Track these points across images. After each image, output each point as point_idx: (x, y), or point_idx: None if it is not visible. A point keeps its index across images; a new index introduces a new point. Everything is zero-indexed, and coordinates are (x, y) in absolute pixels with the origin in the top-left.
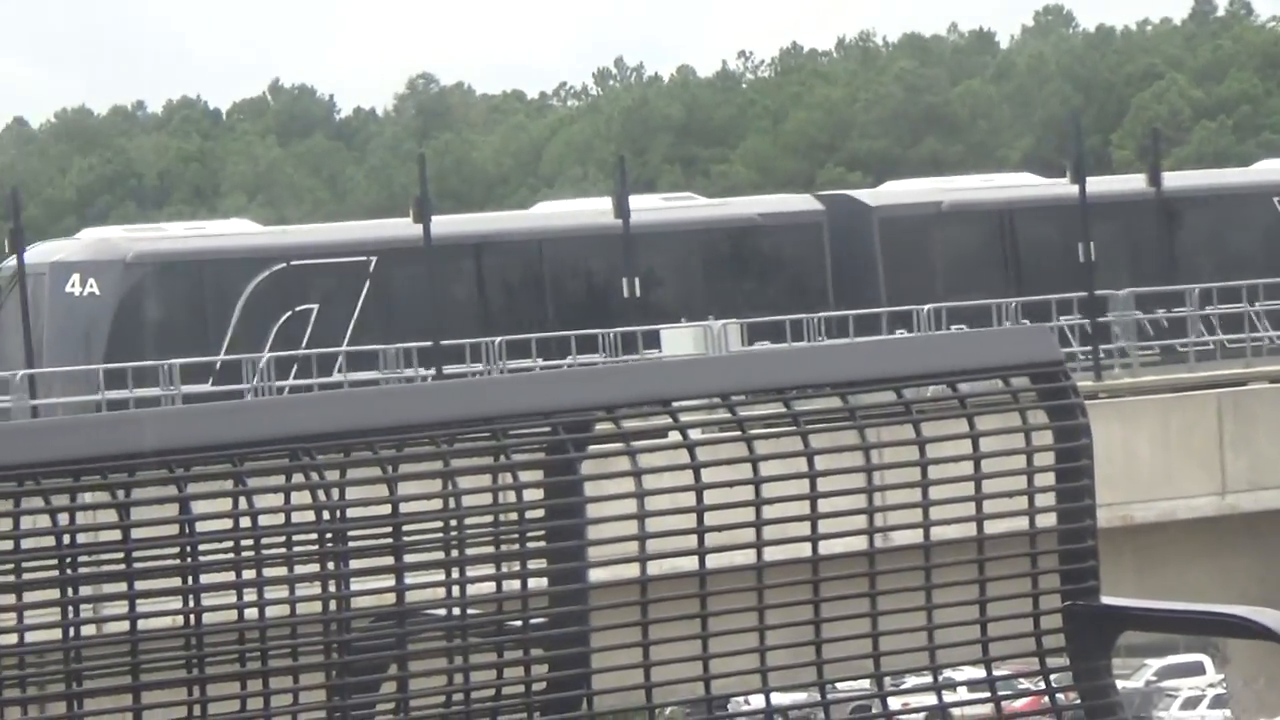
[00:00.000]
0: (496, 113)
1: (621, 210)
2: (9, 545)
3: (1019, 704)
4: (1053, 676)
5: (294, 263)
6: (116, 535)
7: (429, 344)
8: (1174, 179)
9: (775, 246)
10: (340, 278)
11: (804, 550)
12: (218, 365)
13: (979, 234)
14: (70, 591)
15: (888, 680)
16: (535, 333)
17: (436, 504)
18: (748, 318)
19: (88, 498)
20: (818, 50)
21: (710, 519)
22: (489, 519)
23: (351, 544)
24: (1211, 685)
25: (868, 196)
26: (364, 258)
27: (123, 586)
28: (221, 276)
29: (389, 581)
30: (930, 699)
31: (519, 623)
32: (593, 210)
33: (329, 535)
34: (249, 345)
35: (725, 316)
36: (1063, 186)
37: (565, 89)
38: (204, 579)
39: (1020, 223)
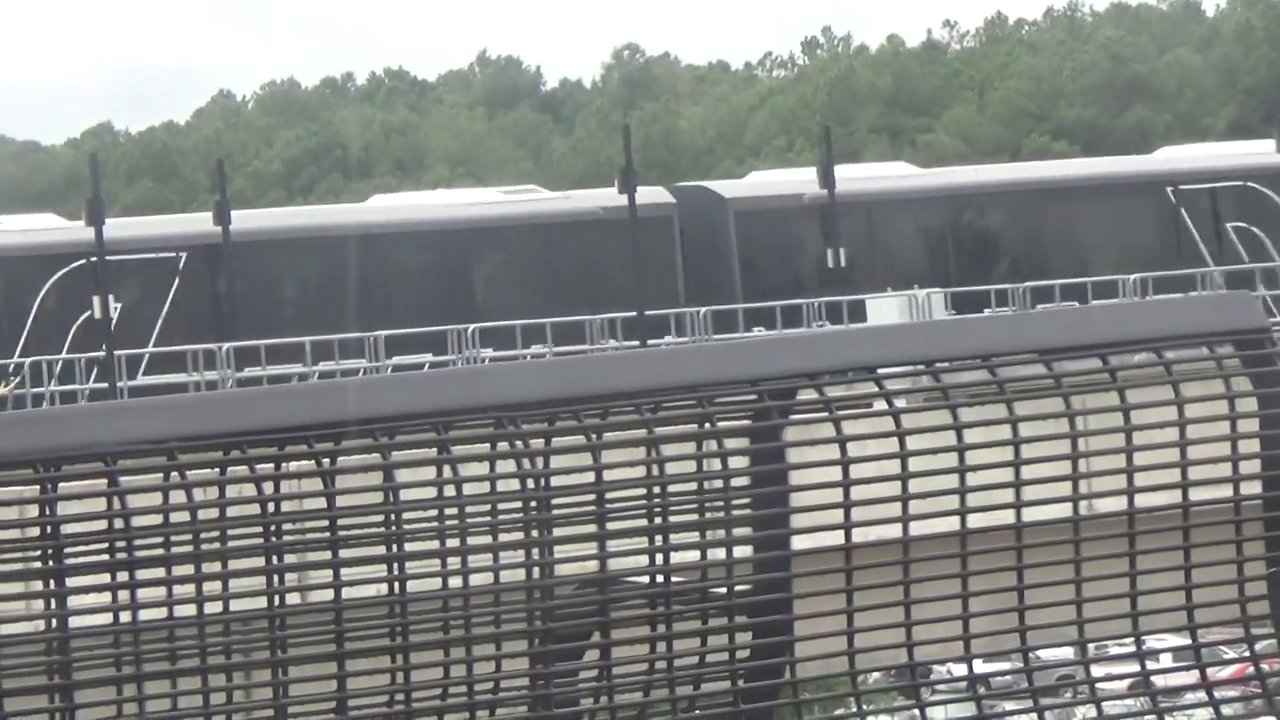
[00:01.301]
0: (702, 83)
1: (827, 180)
2: (215, 513)
3: (1224, 673)
4: (1258, 645)
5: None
6: (321, 504)
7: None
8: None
9: (622, 241)
10: (147, 274)
11: (1007, 518)
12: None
13: (844, 226)
14: (275, 560)
15: (1091, 648)
16: (349, 332)
17: (640, 471)
18: (589, 314)
19: (291, 466)
20: (1024, 20)
21: (914, 486)
22: (693, 486)
23: (556, 512)
24: None
25: (724, 188)
26: (173, 254)
27: (327, 555)
28: (19, 272)
29: (593, 549)
30: (1134, 667)
31: (723, 590)
32: (430, 204)
33: (534, 503)
34: (45, 343)
35: (568, 314)
36: (935, 176)
37: (771, 59)
38: (408, 547)
39: (887, 214)
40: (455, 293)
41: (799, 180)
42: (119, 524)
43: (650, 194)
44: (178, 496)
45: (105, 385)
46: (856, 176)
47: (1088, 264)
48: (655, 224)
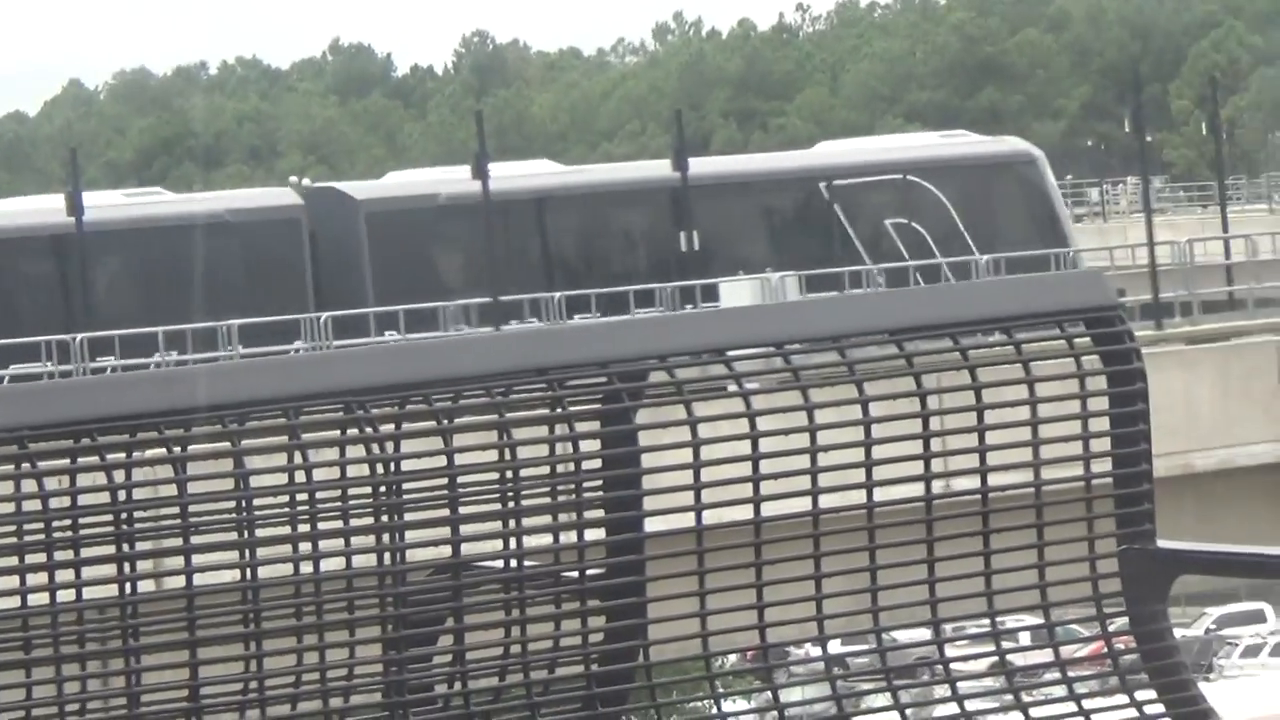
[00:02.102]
0: (554, 69)
1: (680, 165)
2: (67, 502)
3: (1081, 652)
4: (1111, 624)
5: None
6: (172, 491)
7: None
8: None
9: (248, 245)
10: None
11: (859, 499)
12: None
13: (483, 227)
14: (127, 548)
15: (948, 629)
16: None
17: (492, 455)
18: (211, 321)
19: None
20: (876, 3)
21: (764, 468)
22: (545, 470)
23: (407, 497)
24: (1273, 633)
25: (354, 189)
26: None
27: (179, 542)
28: None
29: (445, 534)
30: (990, 648)
31: (575, 574)
32: (50, 208)
33: (383, 489)
34: None
35: (187, 321)
36: (577, 174)
37: (624, 45)
38: (260, 534)
39: (529, 213)
40: (73, 298)
41: (437, 180)
42: None
43: (277, 195)
44: (28, 485)
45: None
46: (501, 175)
47: (736, 263)
48: (282, 226)
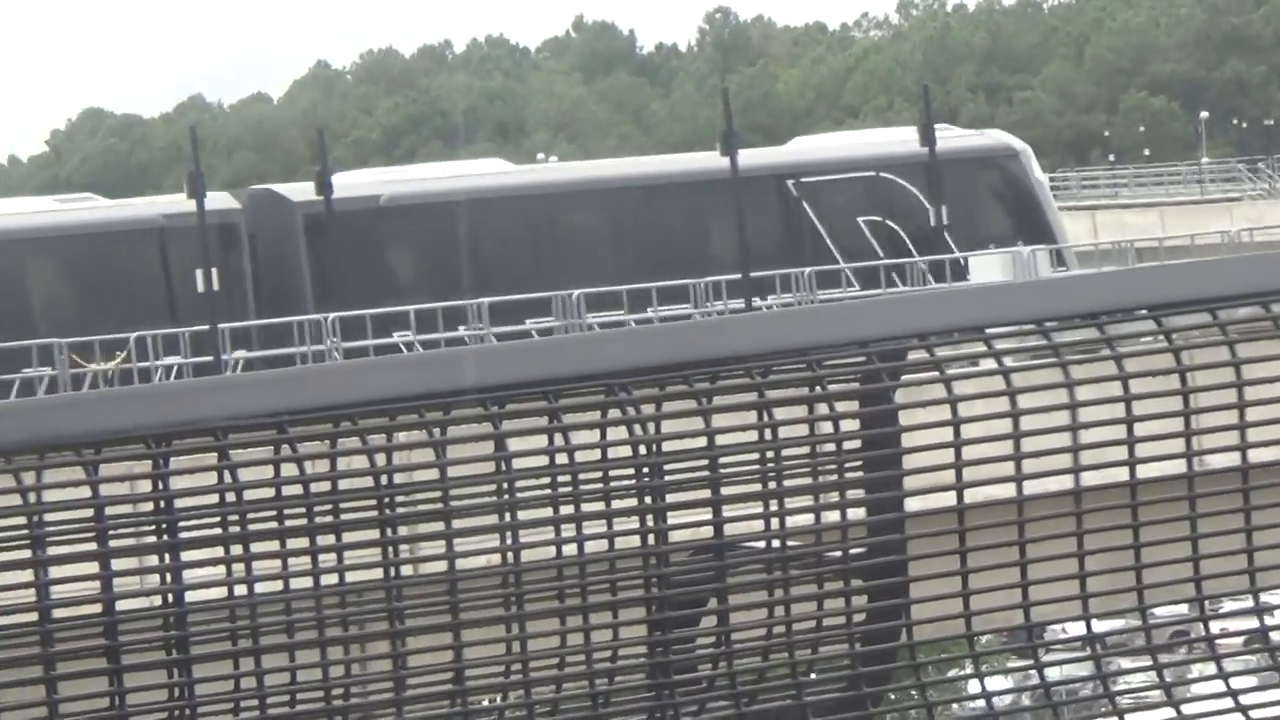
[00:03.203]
0: (798, 45)
1: (927, 139)
2: (327, 487)
3: None
4: None
5: None
6: (434, 474)
7: None
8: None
9: (184, 250)
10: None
11: (1121, 475)
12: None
13: (426, 229)
14: (389, 531)
15: (1207, 604)
16: None
17: (753, 435)
18: (145, 330)
19: (402, 437)
20: None
21: (1027, 445)
22: (805, 450)
23: (669, 478)
24: None
25: (292, 191)
26: None
27: (440, 526)
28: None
29: (707, 514)
30: (1251, 623)
31: (838, 554)
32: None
33: (645, 470)
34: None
35: (118, 330)
36: (529, 174)
37: (867, 19)
38: (521, 516)
39: (472, 215)
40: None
41: (379, 181)
42: (230, 497)
43: (215, 200)
44: (289, 470)
45: (210, 359)
46: (450, 175)
47: (704, 262)
48: (220, 231)
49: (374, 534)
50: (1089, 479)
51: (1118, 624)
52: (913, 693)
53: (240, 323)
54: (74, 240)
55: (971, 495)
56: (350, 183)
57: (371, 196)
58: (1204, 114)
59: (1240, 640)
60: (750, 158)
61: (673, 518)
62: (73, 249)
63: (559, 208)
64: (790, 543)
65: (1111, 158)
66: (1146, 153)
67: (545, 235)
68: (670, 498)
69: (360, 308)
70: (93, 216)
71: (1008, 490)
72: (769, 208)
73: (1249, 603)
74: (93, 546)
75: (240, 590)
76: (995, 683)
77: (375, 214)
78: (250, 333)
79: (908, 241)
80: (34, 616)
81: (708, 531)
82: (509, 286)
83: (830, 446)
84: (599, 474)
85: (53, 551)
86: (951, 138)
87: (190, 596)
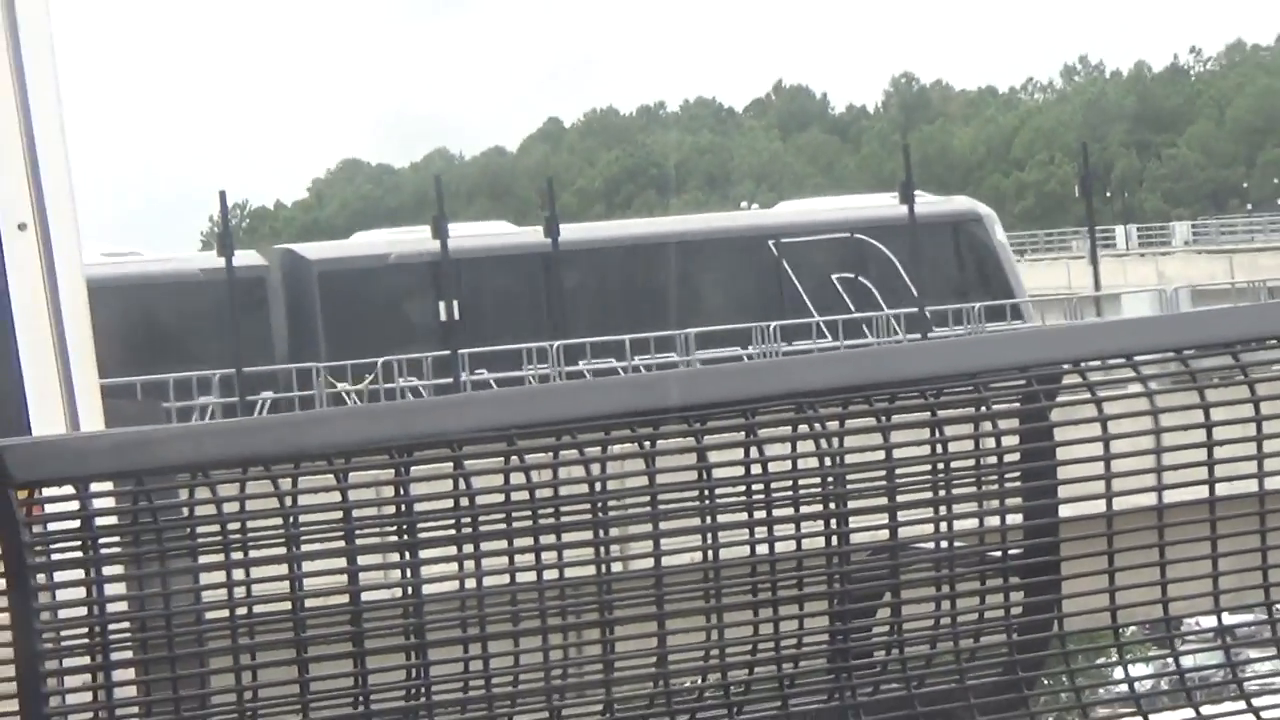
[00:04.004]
0: (972, 106)
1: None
2: (549, 493)
3: None
4: None
5: None
6: (643, 482)
7: None
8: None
9: (218, 303)
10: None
11: (1250, 487)
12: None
13: (431, 287)
14: (602, 533)
15: None
16: None
17: (924, 450)
18: (187, 371)
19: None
20: (1260, 45)
21: (1167, 460)
22: (971, 462)
23: (850, 487)
24: None
25: (309, 250)
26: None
27: (648, 528)
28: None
29: (884, 519)
30: None
31: (998, 554)
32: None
33: (829, 480)
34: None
35: (165, 372)
36: (527, 235)
37: (1032, 84)
38: (720, 519)
39: (476, 274)
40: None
41: (390, 241)
42: (464, 503)
43: (244, 257)
44: (516, 478)
45: (450, 380)
46: (455, 235)
47: (697, 316)
48: (249, 285)
49: (589, 535)
50: (1221, 490)
51: (1248, 618)
52: (1063, 678)
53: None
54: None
55: (1118, 504)
56: (364, 242)
57: (381, 255)
58: None
59: None
60: (737, 220)
61: (853, 522)
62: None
63: (558, 265)
64: (956, 544)
65: (1249, 207)
66: (1279, 203)
67: (544, 290)
68: (852, 504)
69: (366, 356)
70: (135, 269)
71: (1149, 499)
72: (752, 265)
73: None
74: (341, 544)
75: (470, 585)
76: (1137, 670)
77: (384, 271)
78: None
79: (878, 297)
80: (288, 605)
81: (884, 534)
82: (504, 338)
83: (993, 459)
84: (789, 483)
85: (306, 549)
86: (924, 203)
87: (426, 590)
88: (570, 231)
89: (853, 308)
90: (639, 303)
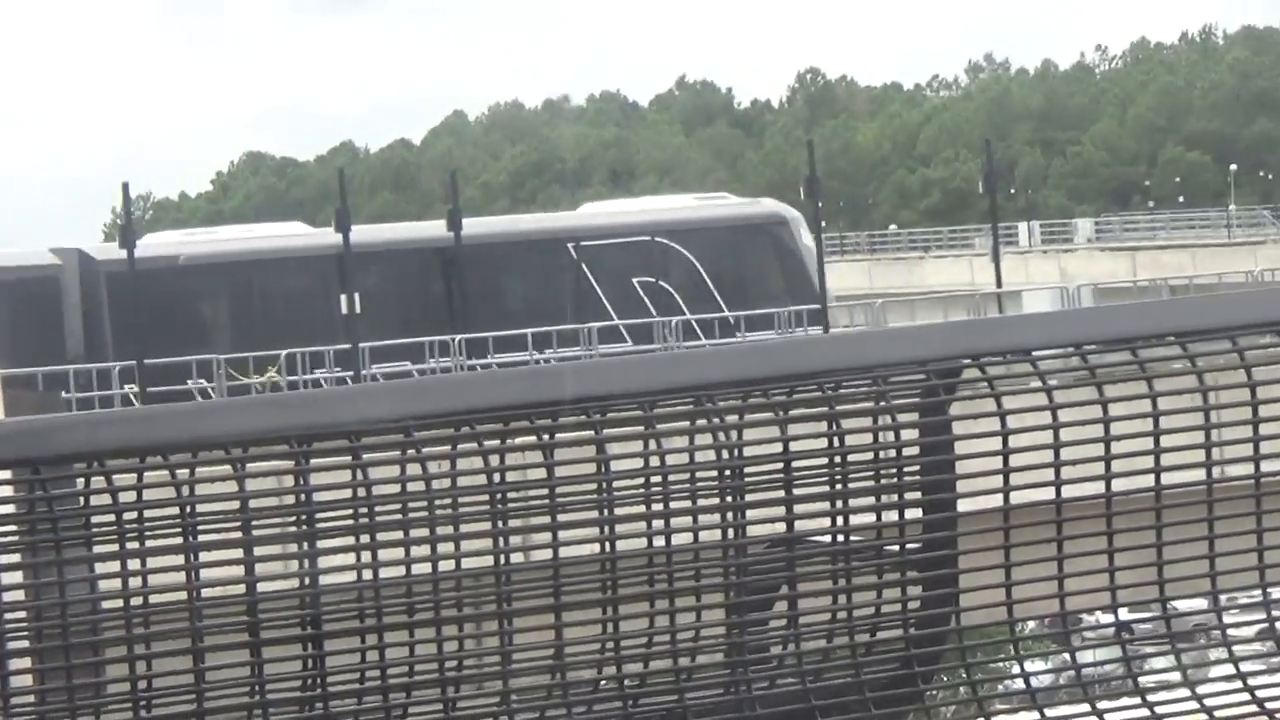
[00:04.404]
0: (876, 102)
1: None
2: (447, 484)
3: None
4: None
5: None
6: (542, 474)
7: None
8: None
9: (7, 301)
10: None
11: (1147, 483)
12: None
13: (222, 288)
14: (501, 524)
15: (1223, 599)
16: None
17: (822, 443)
18: None
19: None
20: (1163, 43)
21: (1065, 455)
22: (869, 456)
23: (748, 480)
24: None
25: (96, 250)
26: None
27: (547, 519)
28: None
29: (780, 512)
30: (1260, 615)
31: (895, 548)
32: None
33: (727, 472)
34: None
35: None
36: (324, 236)
37: (938, 80)
38: (619, 511)
39: (267, 275)
40: None
41: (179, 241)
42: (362, 493)
43: (34, 255)
44: (413, 469)
45: (351, 372)
46: (248, 236)
47: (496, 319)
48: (39, 284)
49: (487, 526)
50: (1119, 485)
51: (1144, 615)
52: (960, 672)
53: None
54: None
55: (1016, 498)
56: (155, 243)
57: (170, 256)
58: (1233, 167)
59: (1253, 631)
60: (535, 223)
61: (751, 515)
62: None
63: (351, 267)
64: (854, 538)
65: (1151, 204)
66: (1181, 200)
67: (337, 292)
68: (749, 497)
69: (155, 356)
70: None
71: (1048, 494)
72: (551, 269)
73: (1259, 599)
74: (238, 535)
75: (368, 576)
76: (1034, 665)
77: (172, 272)
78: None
79: (679, 300)
80: (183, 595)
81: (782, 527)
82: (299, 340)
83: (892, 453)
84: (686, 476)
85: (203, 539)
86: (727, 205)
87: (323, 581)
88: (364, 233)
89: (654, 312)
90: (434, 306)
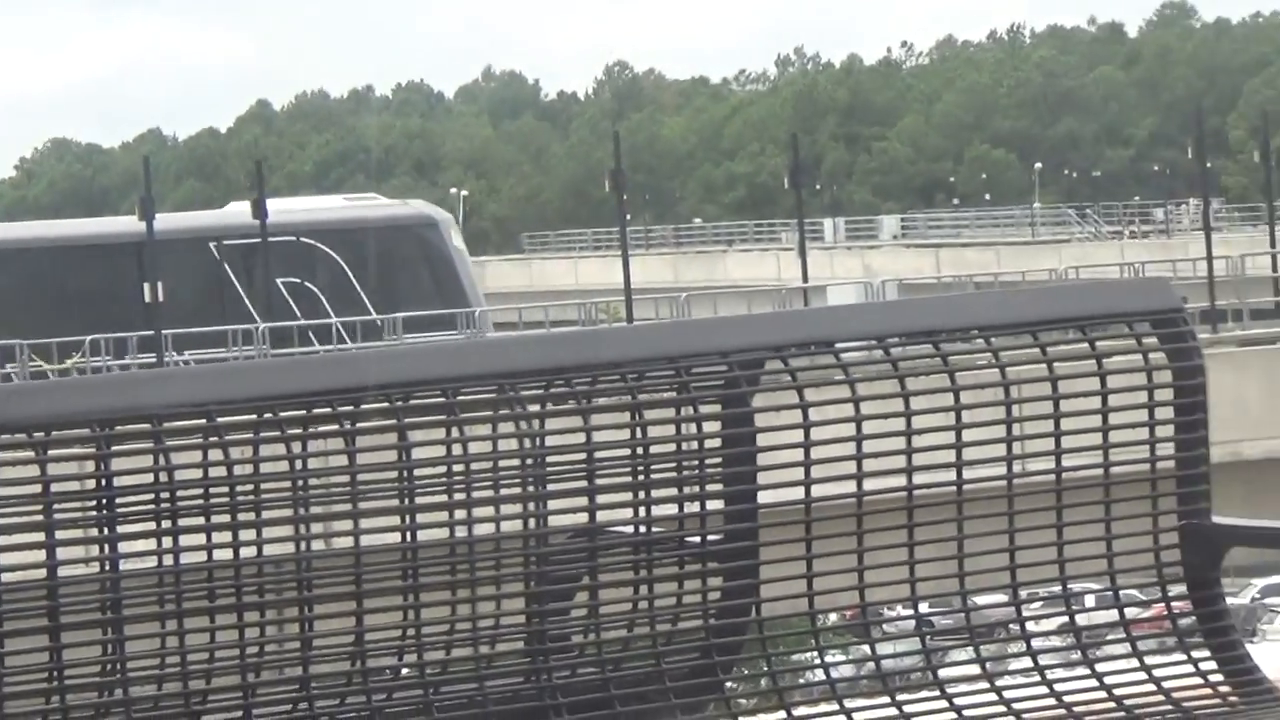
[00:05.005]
0: (684, 96)
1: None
2: (249, 470)
3: (1142, 615)
4: (1170, 590)
5: None
6: (343, 461)
7: None
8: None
9: None
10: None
11: (950, 478)
12: None
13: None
14: (302, 510)
15: (1023, 593)
16: None
17: (626, 434)
18: None
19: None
20: (970, 41)
21: (868, 448)
22: (672, 447)
23: (551, 470)
24: None
25: None
26: None
27: (349, 506)
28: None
29: (583, 502)
30: (1059, 610)
31: (697, 540)
32: None
33: (530, 462)
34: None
35: None
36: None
37: (745, 75)
38: (419, 500)
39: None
40: None
41: None
42: (164, 478)
43: None
44: (216, 454)
45: (154, 358)
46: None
47: (136, 319)
48: None
49: (289, 513)
50: (921, 480)
51: (945, 609)
52: (761, 664)
53: None
54: None
55: (818, 491)
56: None
57: None
58: (1038, 165)
59: (1054, 625)
60: (175, 221)
61: (553, 505)
62: None
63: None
64: (655, 529)
65: (956, 201)
66: (987, 198)
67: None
68: (551, 487)
69: None
70: None
71: (850, 487)
72: (192, 269)
73: (1058, 594)
74: (39, 519)
75: (169, 562)
76: (834, 658)
77: None
78: None
79: (325, 303)
80: None
81: (585, 518)
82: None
83: (694, 445)
84: (489, 465)
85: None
86: (376, 207)
87: (124, 567)
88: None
89: (299, 314)
90: (69, 305)
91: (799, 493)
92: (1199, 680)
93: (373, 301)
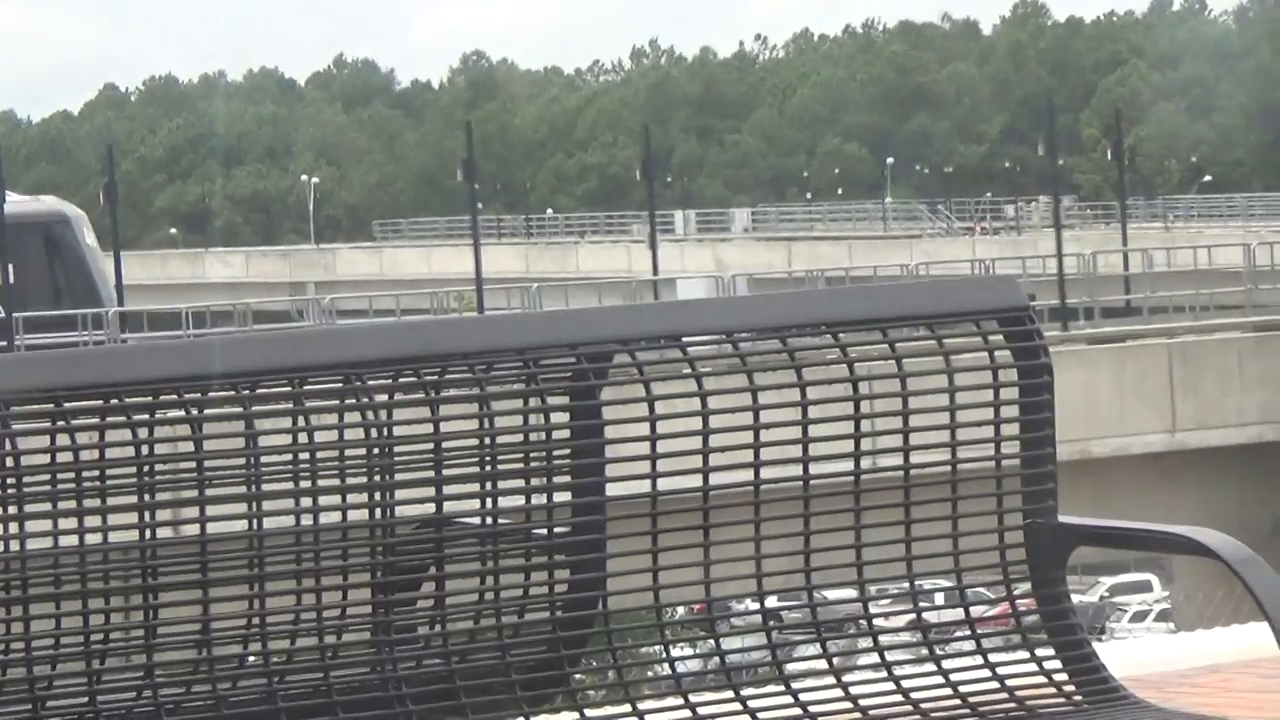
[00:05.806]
0: (537, 86)
1: None
2: (95, 456)
3: (988, 613)
4: (1016, 589)
5: None
6: (189, 448)
7: None
8: None
9: None
10: None
11: (797, 473)
12: None
13: None
14: (149, 497)
15: (871, 589)
16: None
17: (474, 425)
18: None
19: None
20: (826, 36)
21: (713, 443)
22: (520, 439)
23: (398, 460)
24: (1157, 601)
25: None
26: None
27: (195, 494)
28: None
29: (430, 493)
30: (907, 607)
31: (544, 532)
32: None
33: (376, 452)
34: None
35: None
36: None
37: (598, 66)
38: (265, 489)
39: None
40: None
41: None
42: (9, 463)
43: None
44: (62, 440)
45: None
46: None
47: None
48: None
49: (134, 500)
50: (768, 474)
51: (792, 603)
52: (607, 657)
53: None
54: None
55: (665, 485)
56: None
57: None
58: (890, 160)
59: (902, 621)
60: None
61: (400, 495)
62: None
63: None
64: (502, 521)
65: (809, 195)
66: (839, 192)
67: None
68: (399, 477)
69: None
70: None
71: (696, 481)
72: None
73: (906, 590)
74: None
75: (15, 548)
76: (680, 652)
77: None
78: None
79: None
80: None
81: (431, 508)
82: None
83: (542, 436)
84: (335, 454)
85: None
86: (10, 203)
87: None
88: None
89: None
90: None
91: (646, 486)
92: (1043, 679)
93: (2, 298)
